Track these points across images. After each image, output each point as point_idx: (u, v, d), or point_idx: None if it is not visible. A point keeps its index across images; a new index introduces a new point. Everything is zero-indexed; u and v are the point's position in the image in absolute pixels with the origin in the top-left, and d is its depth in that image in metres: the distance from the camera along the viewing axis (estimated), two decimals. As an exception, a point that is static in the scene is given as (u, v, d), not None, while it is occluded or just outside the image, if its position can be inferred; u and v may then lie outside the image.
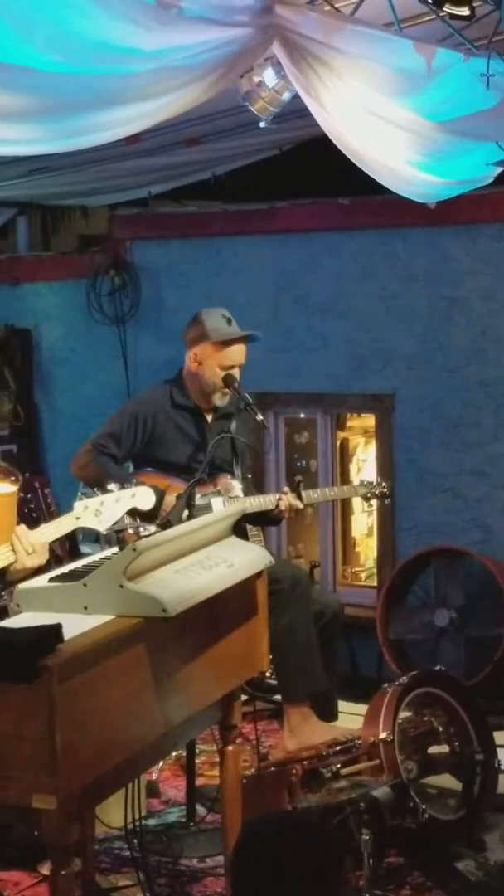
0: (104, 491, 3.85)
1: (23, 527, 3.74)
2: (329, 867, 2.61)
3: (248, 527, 5.21)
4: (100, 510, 3.83)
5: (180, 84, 3.88)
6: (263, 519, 5.48)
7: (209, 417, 5.45)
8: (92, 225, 9.17)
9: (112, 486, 3.89)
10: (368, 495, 5.93)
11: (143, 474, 5.33)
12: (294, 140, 7.05)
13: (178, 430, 5.37)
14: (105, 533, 3.92)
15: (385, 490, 5.96)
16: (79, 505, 3.86)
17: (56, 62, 3.46)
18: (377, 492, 5.92)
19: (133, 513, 3.92)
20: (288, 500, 5.36)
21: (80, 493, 3.94)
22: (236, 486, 5.34)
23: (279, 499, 5.36)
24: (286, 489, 5.44)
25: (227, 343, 5.36)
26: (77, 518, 3.82)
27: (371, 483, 5.98)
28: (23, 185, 7.30)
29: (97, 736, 3.10)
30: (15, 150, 4.30)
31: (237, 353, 5.40)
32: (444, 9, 4.14)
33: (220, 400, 5.39)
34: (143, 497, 3.91)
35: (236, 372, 5.39)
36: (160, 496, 5.15)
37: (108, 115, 3.92)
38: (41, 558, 3.75)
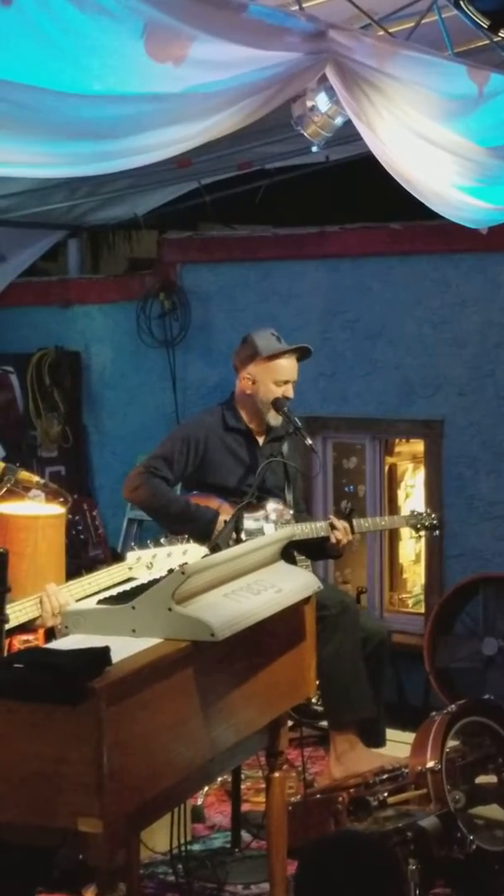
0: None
1: (53, 585, 3.73)
2: (384, 881, 2.60)
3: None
4: (152, 563, 3.90)
5: (225, 103, 3.87)
6: (322, 552, 5.45)
7: (261, 440, 5.45)
8: (141, 248, 9.22)
9: (164, 540, 3.95)
10: (418, 526, 5.86)
11: (194, 497, 5.33)
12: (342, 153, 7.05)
13: (230, 452, 5.38)
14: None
15: (435, 522, 5.88)
16: (132, 556, 3.93)
17: (97, 88, 3.47)
18: (427, 523, 5.86)
19: None
20: (342, 526, 5.32)
21: (130, 542, 4.00)
22: (287, 512, 5.32)
23: (331, 525, 5.33)
24: (333, 518, 5.40)
25: (278, 357, 5.39)
26: (130, 569, 3.88)
27: (421, 514, 5.91)
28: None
29: (144, 760, 3.09)
30: (54, 172, 4.34)
31: (289, 367, 5.42)
32: (501, 34, 4.13)
33: (274, 419, 5.39)
34: (194, 554, 4.00)
35: (290, 389, 5.39)
36: (214, 517, 5.16)
37: (151, 138, 3.91)
38: None
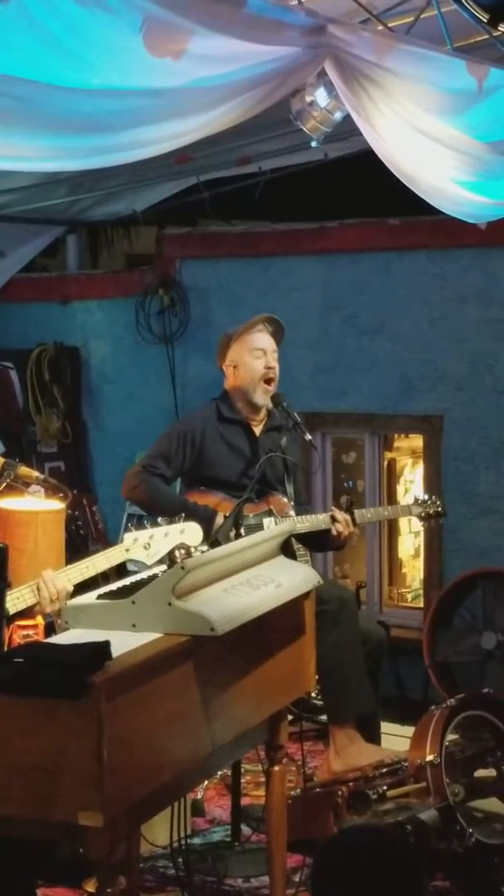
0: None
1: (50, 571, 3.74)
2: (410, 880, 2.61)
3: (297, 546, 5.20)
4: (149, 543, 3.91)
5: (224, 98, 3.87)
6: (325, 543, 5.46)
7: (258, 430, 5.46)
8: (139, 244, 9.22)
9: (161, 520, 3.95)
10: (423, 514, 5.81)
11: (194, 493, 5.34)
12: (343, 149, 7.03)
13: (227, 444, 5.38)
14: (150, 565, 3.97)
15: (439, 508, 5.82)
16: (128, 537, 3.94)
17: (96, 82, 3.47)
18: (431, 510, 5.80)
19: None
20: (343, 518, 5.34)
21: (128, 525, 4.01)
22: (288, 506, 5.33)
23: (333, 518, 5.34)
24: (334, 510, 5.41)
25: (247, 332, 5.45)
26: (127, 550, 3.89)
27: (425, 501, 5.85)
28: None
29: (144, 754, 3.09)
30: (53, 165, 4.35)
31: (260, 337, 5.45)
32: (500, 28, 4.14)
33: (262, 398, 5.39)
34: (191, 533, 4.01)
35: (272, 360, 5.39)
36: (212, 516, 5.17)
37: (150, 132, 3.91)
38: (63, 604, 3.77)
